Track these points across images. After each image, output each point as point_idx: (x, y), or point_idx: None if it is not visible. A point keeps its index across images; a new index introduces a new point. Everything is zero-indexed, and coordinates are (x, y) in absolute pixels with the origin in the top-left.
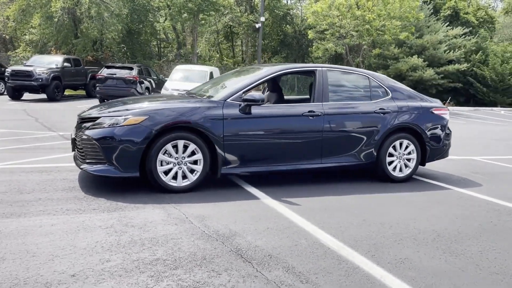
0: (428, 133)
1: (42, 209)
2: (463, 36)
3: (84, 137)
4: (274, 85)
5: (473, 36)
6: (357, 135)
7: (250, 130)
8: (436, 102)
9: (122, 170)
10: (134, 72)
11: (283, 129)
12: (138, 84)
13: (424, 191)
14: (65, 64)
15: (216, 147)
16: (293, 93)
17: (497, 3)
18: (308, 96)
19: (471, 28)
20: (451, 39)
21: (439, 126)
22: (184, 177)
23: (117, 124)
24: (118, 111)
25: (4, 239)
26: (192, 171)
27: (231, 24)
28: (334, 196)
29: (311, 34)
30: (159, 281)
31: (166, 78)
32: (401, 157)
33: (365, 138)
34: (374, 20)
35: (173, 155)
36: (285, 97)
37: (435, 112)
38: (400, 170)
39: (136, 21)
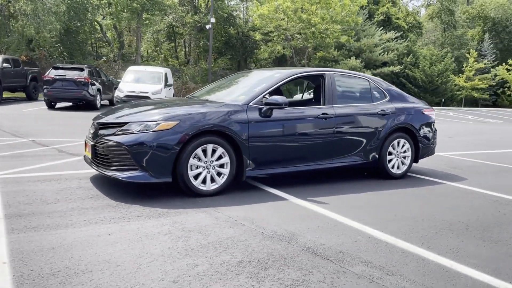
0: (421, 132)
1: (85, 218)
2: (395, 40)
3: (111, 143)
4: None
5: (404, 40)
6: (363, 135)
7: (272, 132)
8: (423, 103)
9: (155, 176)
10: (85, 73)
11: (301, 131)
12: (90, 86)
13: (423, 186)
14: (5, 64)
15: (242, 150)
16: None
17: (422, 9)
18: (307, 99)
19: (402, 32)
20: (385, 42)
21: (429, 125)
22: (212, 180)
23: (148, 129)
24: (146, 116)
25: (73, 251)
26: (219, 174)
27: (174, 24)
28: (351, 194)
29: (258, 36)
30: (260, 282)
31: (119, 80)
32: (398, 155)
33: (369, 138)
34: (318, 23)
35: (202, 159)
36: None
37: (425, 112)
38: (398, 167)
39: (75, 19)
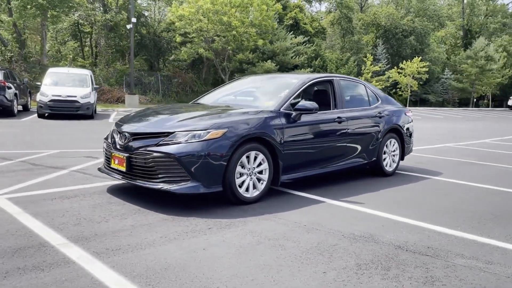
0: (406, 132)
1: (159, 235)
2: (304, 44)
3: (157, 154)
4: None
5: (311, 44)
6: (367, 137)
7: (300, 137)
8: (402, 105)
9: (207, 186)
10: (0, 76)
11: (322, 135)
12: (7, 90)
13: (417, 182)
14: None
15: (278, 155)
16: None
17: (323, 16)
18: None
19: (309, 37)
20: (295, 46)
21: (410, 125)
22: (253, 187)
23: (199, 138)
24: (192, 124)
25: (190, 269)
26: (258, 180)
27: (81, 22)
28: (373, 192)
29: (178, 38)
30: (398, 282)
31: (38, 83)
32: (390, 154)
33: (372, 139)
34: (238, 27)
35: (245, 166)
36: None
37: (407, 114)
38: (390, 165)
39: None
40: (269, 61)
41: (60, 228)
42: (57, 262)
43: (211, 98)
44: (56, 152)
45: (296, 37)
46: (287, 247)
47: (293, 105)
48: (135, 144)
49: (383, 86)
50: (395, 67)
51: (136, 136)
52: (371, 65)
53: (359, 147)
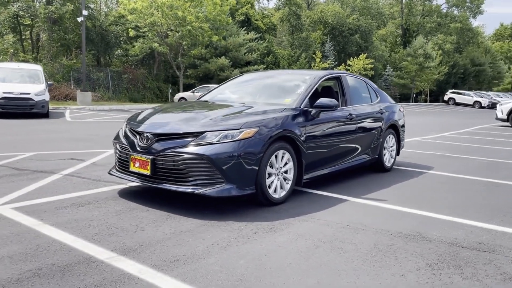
0: (401, 128)
1: (211, 242)
2: (256, 40)
3: (188, 156)
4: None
5: (263, 40)
6: (372, 134)
7: (319, 135)
8: (394, 101)
9: (242, 188)
10: None
11: (337, 132)
12: None
13: (417, 177)
14: None
15: (301, 154)
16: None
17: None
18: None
19: (261, 33)
20: (248, 42)
21: (403, 121)
22: (280, 187)
23: (232, 138)
24: (222, 123)
25: (280, 277)
26: (284, 180)
27: (21, 13)
28: (386, 189)
29: (131, 32)
30: (477, 281)
31: None
32: (389, 150)
33: (375, 136)
34: (193, 22)
35: (274, 166)
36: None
37: (401, 109)
38: (388, 161)
39: None
40: (222, 57)
41: (97, 240)
42: (121, 279)
43: (220, 95)
44: (32, 154)
45: (248, 33)
46: (347, 249)
47: (311, 102)
48: (160, 145)
49: None
50: (343, 64)
51: (160, 137)
52: (320, 62)
53: (365, 144)
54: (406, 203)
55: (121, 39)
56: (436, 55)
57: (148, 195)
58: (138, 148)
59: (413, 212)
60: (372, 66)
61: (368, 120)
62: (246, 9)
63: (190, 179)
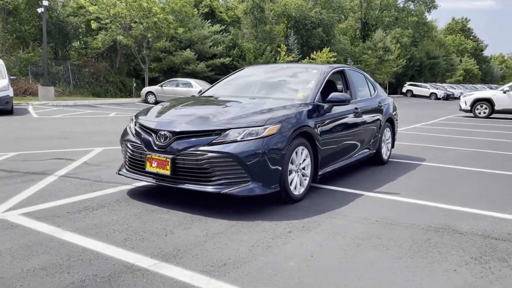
0: (396, 120)
1: (251, 244)
2: (221, 32)
3: (213, 154)
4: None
5: (228, 33)
6: (373, 127)
7: (331, 130)
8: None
9: (268, 186)
10: None
11: (346, 126)
12: None
13: (415, 169)
14: None
15: (318, 149)
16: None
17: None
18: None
19: (225, 26)
20: (213, 35)
21: (397, 114)
22: (299, 184)
23: (257, 135)
24: (243, 120)
25: (330, 278)
26: (303, 176)
27: None
28: (393, 182)
29: (94, 24)
30: None
31: None
32: (386, 142)
33: (376, 129)
34: (159, 13)
35: (294, 163)
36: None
37: (394, 103)
38: (385, 154)
39: None
40: (187, 50)
41: (130, 246)
42: None
43: (223, 91)
44: (15, 154)
45: (213, 26)
46: (388, 246)
47: (322, 96)
48: (180, 144)
49: None
50: (307, 57)
51: (180, 135)
52: (285, 55)
53: (368, 138)
54: (418, 195)
55: (80, 31)
56: (395, 49)
57: (160, 195)
58: (155, 148)
59: (430, 204)
60: (335, 59)
61: (371, 114)
62: (210, 1)
63: (214, 178)
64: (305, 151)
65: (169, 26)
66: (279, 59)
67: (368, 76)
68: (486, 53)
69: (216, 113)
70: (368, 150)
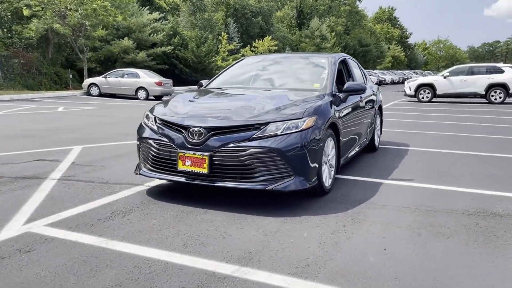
0: (382, 108)
1: (313, 241)
2: (161, 20)
3: (255, 150)
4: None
5: (168, 21)
6: (371, 115)
7: (346, 119)
8: None
9: (309, 180)
10: None
11: (356, 115)
12: None
13: (408, 154)
14: None
15: (340, 140)
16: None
17: None
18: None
19: (164, 13)
20: (152, 23)
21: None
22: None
23: (297, 128)
24: (280, 112)
25: (409, 272)
26: (331, 167)
27: None
28: (399, 168)
29: (26, 11)
30: None
31: None
32: (377, 130)
33: (372, 117)
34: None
35: (325, 154)
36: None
37: (379, 90)
38: (377, 141)
39: None
40: (125, 38)
41: (196, 252)
42: None
43: (233, 82)
44: None
45: (152, 13)
46: (447, 234)
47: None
48: (217, 140)
49: None
50: (249, 46)
51: (216, 131)
52: (226, 43)
53: (367, 126)
54: (430, 180)
55: (5, 18)
56: (331, 37)
57: (183, 194)
58: (188, 145)
59: (448, 189)
60: (277, 48)
61: (370, 102)
62: None
63: (257, 175)
64: (331, 142)
65: (108, 13)
66: (221, 47)
67: (359, 64)
68: (411, 40)
69: (246, 106)
70: (366, 138)
